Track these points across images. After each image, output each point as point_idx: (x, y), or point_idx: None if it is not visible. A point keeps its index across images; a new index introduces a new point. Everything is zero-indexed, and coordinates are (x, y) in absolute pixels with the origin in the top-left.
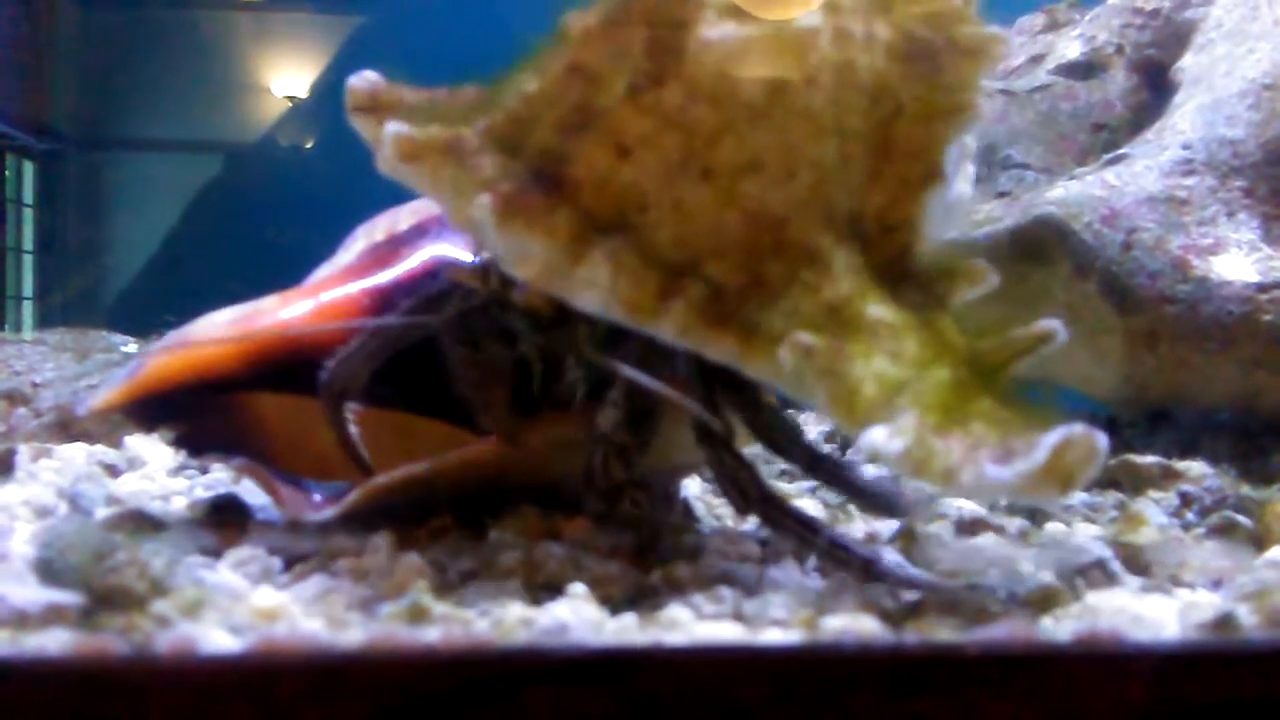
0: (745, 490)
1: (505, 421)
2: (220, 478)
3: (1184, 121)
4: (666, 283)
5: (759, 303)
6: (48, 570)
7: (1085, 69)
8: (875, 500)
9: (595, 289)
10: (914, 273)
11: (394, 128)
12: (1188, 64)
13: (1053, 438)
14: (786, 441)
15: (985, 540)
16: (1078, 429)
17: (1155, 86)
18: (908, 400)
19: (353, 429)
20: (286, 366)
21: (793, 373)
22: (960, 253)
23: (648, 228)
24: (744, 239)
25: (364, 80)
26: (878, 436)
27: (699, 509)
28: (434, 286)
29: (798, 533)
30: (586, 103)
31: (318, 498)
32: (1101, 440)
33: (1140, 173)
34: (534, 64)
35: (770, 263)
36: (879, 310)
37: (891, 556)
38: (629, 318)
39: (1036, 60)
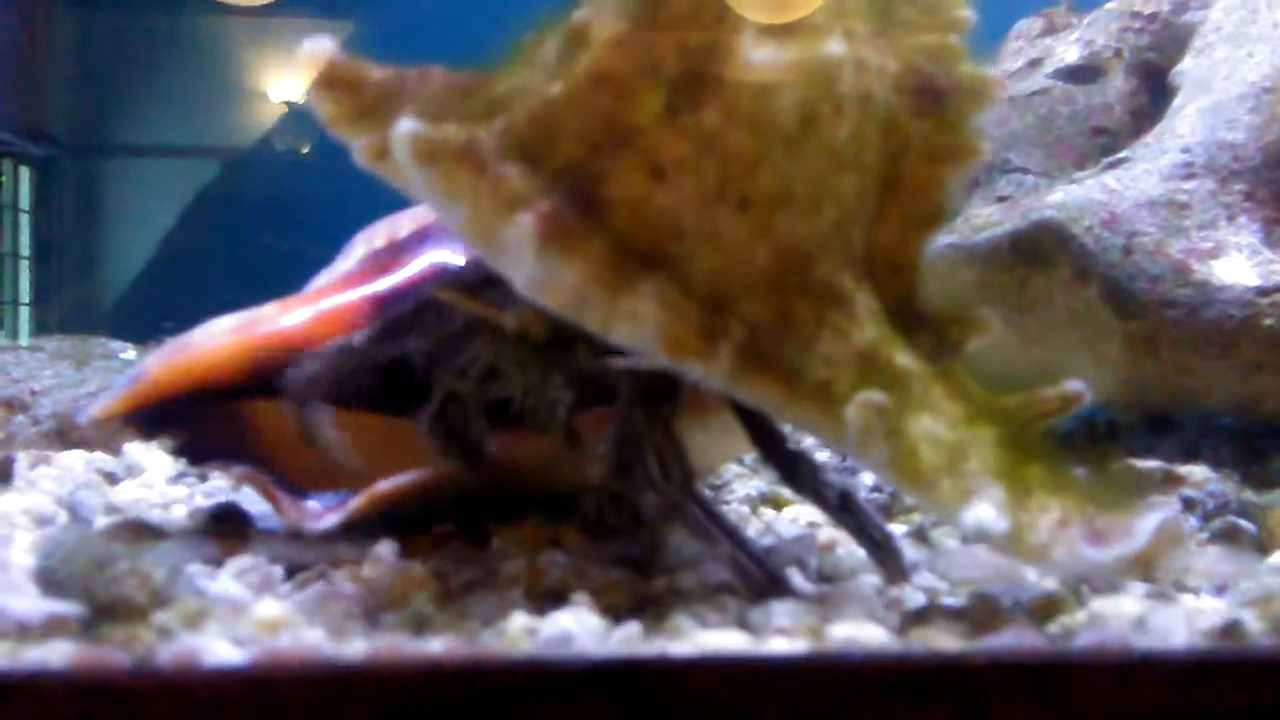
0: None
1: (473, 450)
2: (220, 486)
3: (1184, 125)
4: (708, 321)
5: (795, 346)
6: (48, 581)
7: (1084, 73)
8: (878, 551)
9: (637, 324)
10: (925, 317)
11: (409, 125)
12: (1187, 67)
13: (1151, 523)
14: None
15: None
16: (1170, 516)
17: (1154, 90)
18: (976, 466)
19: (342, 434)
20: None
21: (860, 431)
22: (963, 302)
23: (684, 259)
24: (774, 275)
25: (318, 47)
26: (985, 515)
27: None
28: (407, 305)
29: (707, 536)
30: (617, 117)
31: (318, 506)
32: (1185, 526)
33: (1140, 176)
34: (534, 56)
35: (798, 302)
36: (905, 360)
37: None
38: (670, 356)
39: (1035, 64)
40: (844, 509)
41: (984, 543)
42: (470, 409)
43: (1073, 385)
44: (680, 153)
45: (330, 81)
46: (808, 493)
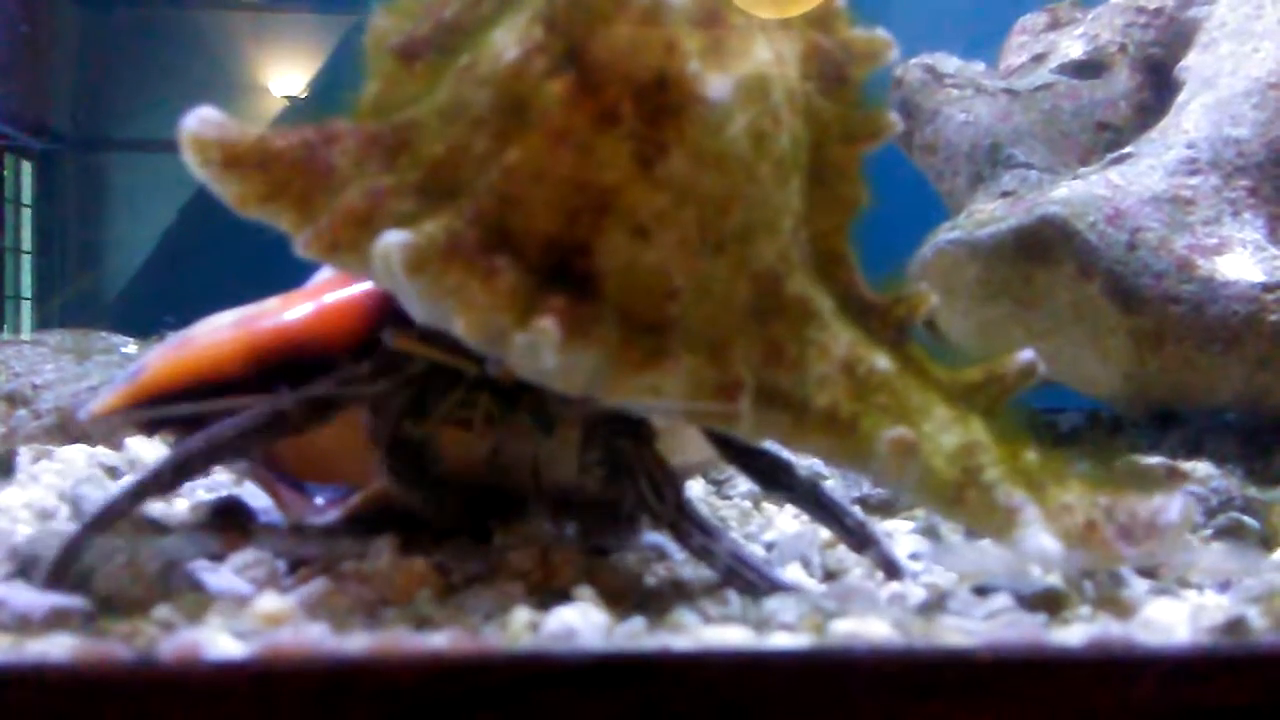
0: (664, 499)
1: (435, 487)
2: (222, 480)
3: (1188, 121)
4: (722, 378)
5: (791, 377)
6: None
7: (1088, 68)
8: (853, 540)
9: (660, 397)
10: (869, 303)
11: (397, 238)
12: (1192, 63)
13: (1175, 509)
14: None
15: (993, 542)
16: (1186, 499)
17: (1159, 85)
18: (993, 474)
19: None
20: (288, 369)
21: (894, 467)
22: (894, 275)
23: (682, 317)
24: (754, 307)
25: (204, 124)
26: (1048, 544)
27: (702, 511)
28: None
29: (700, 545)
30: (585, 178)
31: (320, 501)
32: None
33: (1144, 172)
34: (450, 103)
35: (778, 328)
36: (882, 361)
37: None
38: (691, 422)
39: (1039, 59)
40: (818, 505)
41: (1043, 566)
42: (428, 452)
43: (1025, 356)
44: (660, 206)
45: (232, 161)
46: (785, 495)
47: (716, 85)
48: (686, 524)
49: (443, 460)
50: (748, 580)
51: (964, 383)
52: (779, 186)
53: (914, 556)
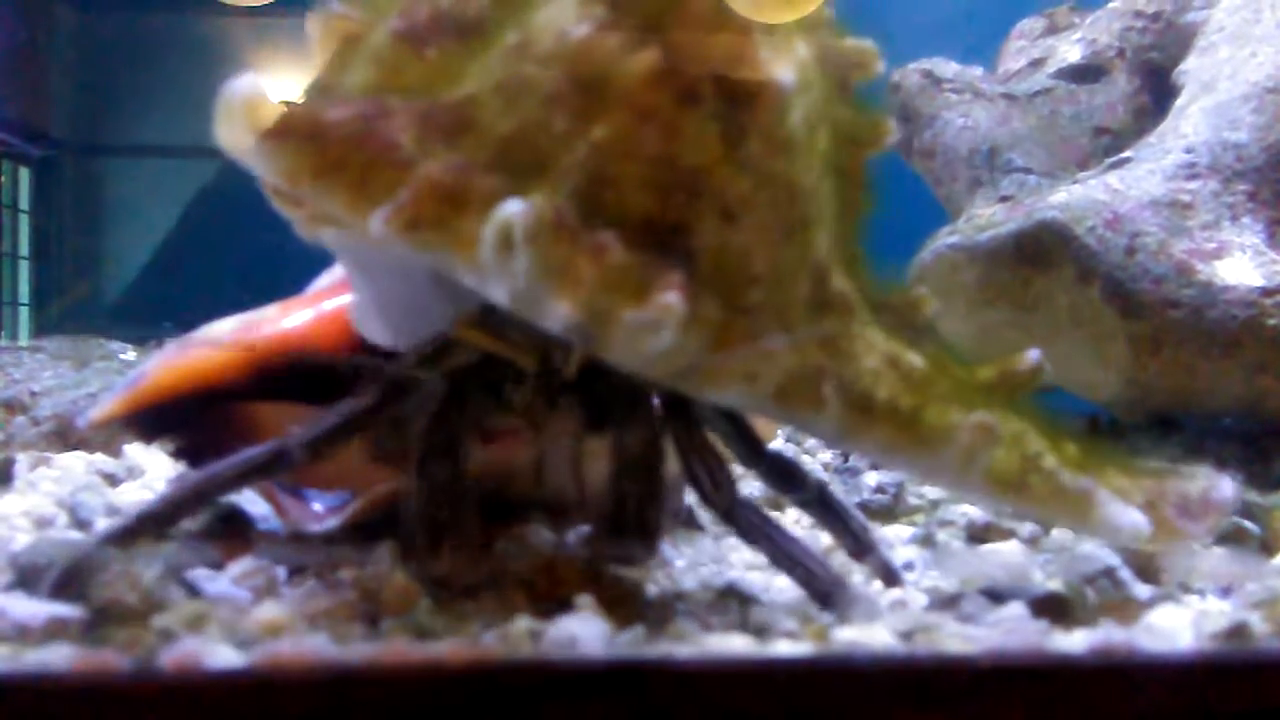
0: (720, 486)
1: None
2: None
3: (1187, 125)
4: (805, 366)
5: (851, 370)
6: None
7: (1086, 72)
8: (857, 546)
9: (755, 385)
10: (885, 304)
11: (519, 207)
12: (1190, 67)
13: (1228, 488)
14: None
15: (995, 548)
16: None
17: (1157, 90)
18: (1052, 461)
19: None
20: (287, 376)
21: (966, 450)
22: (894, 278)
23: (762, 305)
24: (811, 300)
25: (255, 90)
26: (1139, 519)
27: (704, 518)
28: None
29: (760, 532)
30: (675, 157)
31: (319, 508)
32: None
33: (1143, 177)
34: (510, 76)
35: (830, 321)
36: (916, 359)
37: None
38: (781, 409)
39: (1037, 64)
40: (826, 508)
41: (1131, 543)
42: (462, 450)
43: (1033, 355)
44: (743, 189)
45: (284, 131)
46: (794, 497)
47: (785, 73)
48: (741, 511)
49: (472, 461)
50: (810, 570)
51: (980, 380)
52: (822, 180)
53: (908, 566)
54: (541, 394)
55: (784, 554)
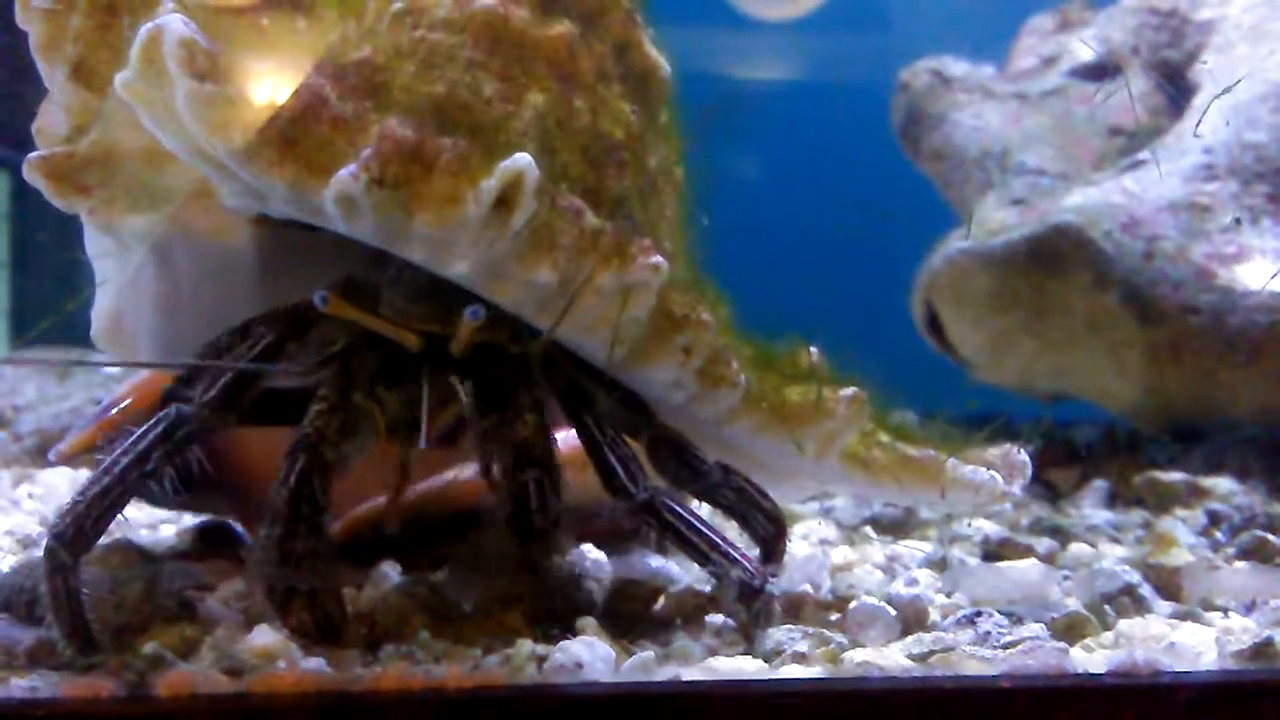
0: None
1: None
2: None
3: (1204, 125)
4: (719, 345)
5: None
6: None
7: (1100, 71)
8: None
9: (689, 358)
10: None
11: (527, 160)
12: (1206, 65)
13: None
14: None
15: (1012, 564)
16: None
17: (1173, 88)
18: (885, 437)
19: None
20: (263, 398)
21: (842, 423)
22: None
23: (680, 280)
24: (689, 281)
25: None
26: (995, 477)
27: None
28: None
29: (678, 536)
30: (602, 130)
31: None
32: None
33: (1160, 178)
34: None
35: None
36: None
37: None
38: (703, 388)
39: (1049, 62)
40: (740, 501)
41: (989, 501)
42: (364, 429)
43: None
44: (652, 167)
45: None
46: (712, 496)
47: (664, 62)
48: (664, 506)
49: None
50: (732, 566)
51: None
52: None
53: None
54: (428, 378)
55: (703, 549)
